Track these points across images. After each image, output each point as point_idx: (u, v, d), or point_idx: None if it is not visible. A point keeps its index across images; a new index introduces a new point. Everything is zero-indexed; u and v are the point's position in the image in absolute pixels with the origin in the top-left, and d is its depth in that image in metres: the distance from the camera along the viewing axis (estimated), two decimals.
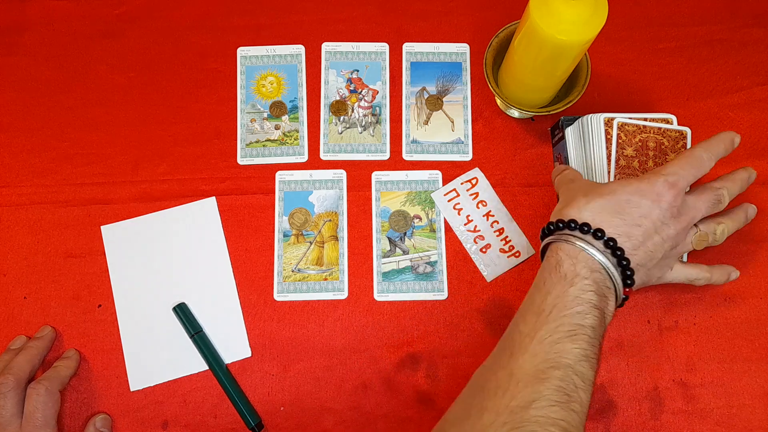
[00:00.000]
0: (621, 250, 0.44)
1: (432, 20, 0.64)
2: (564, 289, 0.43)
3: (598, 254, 0.44)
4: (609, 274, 0.44)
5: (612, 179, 0.52)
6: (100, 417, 0.54)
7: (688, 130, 0.53)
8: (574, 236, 0.45)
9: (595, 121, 0.53)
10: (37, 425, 0.50)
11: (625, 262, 0.44)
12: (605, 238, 0.44)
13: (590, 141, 0.54)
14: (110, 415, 0.55)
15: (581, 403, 0.40)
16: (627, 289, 0.46)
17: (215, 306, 0.58)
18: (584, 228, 0.45)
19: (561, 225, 0.46)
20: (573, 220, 0.45)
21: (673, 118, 0.54)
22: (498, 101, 0.61)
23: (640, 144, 0.53)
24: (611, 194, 0.46)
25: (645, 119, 0.53)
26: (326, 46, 0.64)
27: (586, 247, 0.44)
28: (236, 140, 0.61)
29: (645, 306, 0.57)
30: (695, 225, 0.49)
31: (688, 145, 0.53)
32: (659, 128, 0.53)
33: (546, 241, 0.48)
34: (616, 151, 0.52)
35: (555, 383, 0.40)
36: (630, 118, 0.53)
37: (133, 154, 0.61)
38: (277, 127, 0.62)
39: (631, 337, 0.56)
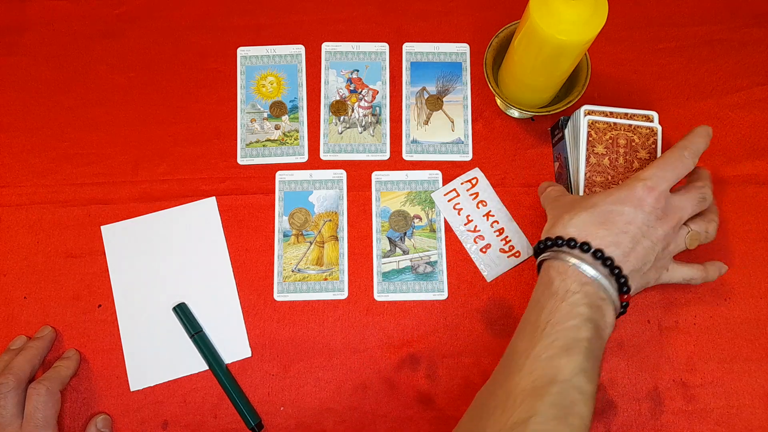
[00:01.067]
0: (610, 259, 0.44)
1: (432, 20, 0.64)
2: (556, 305, 0.44)
3: (587, 267, 0.44)
4: (602, 285, 0.44)
5: (583, 177, 0.52)
6: (101, 417, 0.55)
7: (658, 127, 0.53)
8: (563, 252, 0.46)
9: (577, 115, 0.54)
10: (37, 425, 0.50)
11: (617, 271, 0.44)
12: (592, 250, 0.45)
13: (576, 137, 0.54)
14: (110, 415, 0.55)
15: (581, 417, 0.40)
16: (625, 296, 0.46)
17: (215, 306, 0.58)
18: (571, 243, 0.45)
19: (549, 243, 0.47)
20: (559, 237, 0.46)
21: (655, 115, 0.53)
22: (498, 101, 0.61)
23: (610, 141, 0.52)
24: (593, 207, 0.46)
25: (626, 115, 0.53)
26: (326, 46, 0.64)
27: (575, 261, 0.45)
28: (236, 140, 0.61)
29: (645, 306, 0.57)
30: (686, 224, 0.49)
31: (659, 143, 0.53)
32: (630, 125, 0.53)
33: (539, 259, 0.49)
34: (587, 149, 0.52)
35: (552, 398, 0.40)
36: (610, 113, 0.53)
37: (133, 154, 0.61)
38: (277, 127, 0.62)
39: (631, 337, 0.56)
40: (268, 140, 0.61)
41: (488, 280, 0.58)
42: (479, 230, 0.59)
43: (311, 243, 0.59)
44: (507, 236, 0.59)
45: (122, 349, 0.57)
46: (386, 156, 0.61)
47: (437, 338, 0.57)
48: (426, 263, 0.59)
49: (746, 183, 0.59)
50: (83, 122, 0.62)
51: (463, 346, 0.57)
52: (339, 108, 0.62)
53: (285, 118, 0.62)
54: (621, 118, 0.53)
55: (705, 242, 0.50)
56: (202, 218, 0.59)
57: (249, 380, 0.56)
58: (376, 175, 0.61)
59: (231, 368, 0.56)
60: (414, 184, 0.60)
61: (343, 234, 0.59)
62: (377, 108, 0.62)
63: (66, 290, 0.58)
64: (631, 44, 0.63)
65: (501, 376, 0.44)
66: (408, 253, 0.59)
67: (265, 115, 0.62)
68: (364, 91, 0.63)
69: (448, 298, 0.58)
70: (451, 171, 0.61)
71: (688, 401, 0.55)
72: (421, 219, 0.60)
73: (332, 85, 0.63)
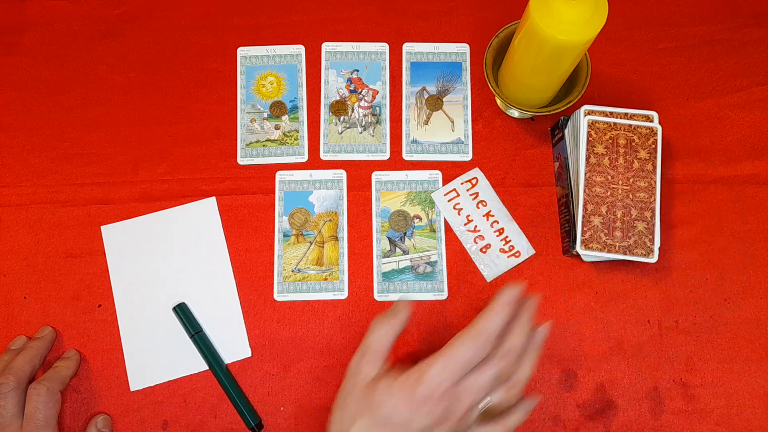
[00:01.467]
0: None
1: (432, 20, 0.64)
2: None
3: None
4: None
5: (583, 178, 0.52)
6: (101, 417, 0.55)
7: (658, 127, 0.53)
8: None
9: (577, 115, 0.54)
10: (38, 425, 0.50)
11: None
12: None
13: (576, 137, 0.54)
14: (110, 415, 0.55)
15: None
16: None
17: (215, 306, 0.58)
18: None
19: None
20: None
21: (655, 115, 0.53)
22: (498, 101, 0.61)
23: (610, 141, 0.52)
24: (376, 410, 0.43)
25: (626, 115, 0.53)
26: (326, 46, 0.64)
27: None
28: (236, 140, 0.61)
29: (645, 306, 0.57)
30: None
31: (659, 143, 0.53)
32: (630, 125, 0.53)
33: None
34: (587, 149, 0.52)
35: None
36: (610, 113, 0.53)
37: (133, 154, 0.61)
38: (277, 127, 0.62)
39: (631, 337, 0.56)
40: (268, 140, 0.61)
41: (488, 280, 0.58)
42: (479, 230, 0.59)
43: (311, 243, 0.59)
44: (507, 236, 0.59)
45: (122, 349, 0.57)
46: (386, 156, 0.61)
47: (437, 338, 0.57)
48: (426, 263, 0.59)
49: (746, 183, 0.59)
50: (83, 122, 0.62)
51: None
52: (339, 108, 0.62)
53: (285, 118, 0.62)
54: (621, 118, 0.53)
55: (513, 399, 0.46)
56: (202, 218, 0.59)
57: (249, 380, 0.56)
58: (376, 175, 0.61)
59: (231, 368, 0.56)
60: (414, 184, 0.60)
61: (343, 234, 0.59)
62: (377, 108, 0.62)
63: (66, 290, 0.58)
64: (631, 44, 0.63)
65: None
66: (408, 253, 0.59)
67: (265, 115, 0.62)
68: (364, 91, 0.63)
69: (448, 298, 0.58)
70: (451, 171, 0.61)
71: (688, 401, 0.55)
72: (421, 219, 0.60)
73: (332, 85, 0.63)
